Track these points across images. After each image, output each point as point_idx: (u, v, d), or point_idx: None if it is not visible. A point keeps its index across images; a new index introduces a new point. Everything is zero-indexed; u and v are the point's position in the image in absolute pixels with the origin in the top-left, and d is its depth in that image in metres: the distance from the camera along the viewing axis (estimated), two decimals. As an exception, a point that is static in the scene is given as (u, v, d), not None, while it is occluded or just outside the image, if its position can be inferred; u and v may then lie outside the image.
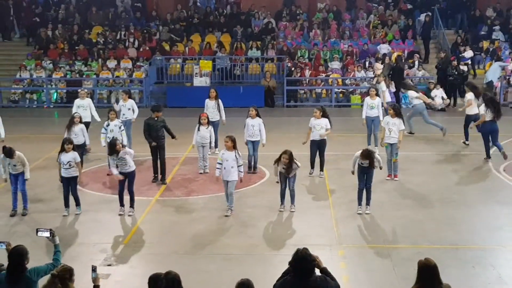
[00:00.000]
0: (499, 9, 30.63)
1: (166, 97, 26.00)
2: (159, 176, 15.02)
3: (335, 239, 11.35)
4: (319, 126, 14.81)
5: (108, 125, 15.19)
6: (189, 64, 27.36)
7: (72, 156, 12.49)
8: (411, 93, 19.60)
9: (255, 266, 10.06)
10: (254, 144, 15.34)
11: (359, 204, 12.59)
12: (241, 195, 13.84)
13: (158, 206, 13.40)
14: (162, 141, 14.95)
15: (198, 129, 15.36)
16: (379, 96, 18.25)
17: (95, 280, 6.84)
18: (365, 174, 12.41)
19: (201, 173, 15.52)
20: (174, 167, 16.14)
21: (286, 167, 12.33)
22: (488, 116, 15.76)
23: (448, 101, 25.27)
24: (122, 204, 12.76)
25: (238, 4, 32.36)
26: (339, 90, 26.70)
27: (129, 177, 12.70)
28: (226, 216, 12.52)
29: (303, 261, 6.31)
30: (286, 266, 6.48)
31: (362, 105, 20.29)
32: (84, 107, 17.44)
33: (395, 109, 14.70)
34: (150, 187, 14.68)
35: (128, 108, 17.38)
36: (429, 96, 24.84)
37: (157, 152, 14.90)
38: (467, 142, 18.02)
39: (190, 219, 12.61)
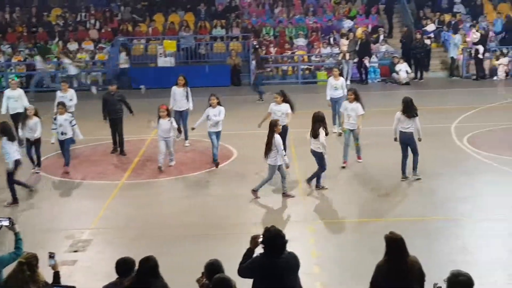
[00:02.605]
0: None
1: (130, 78, 25.68)
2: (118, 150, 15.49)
3: (304, 216, 11.40)
4: (280, 112, 13.88)
5: (55, 119, 14.27)
6: (152, 45, 27.07)
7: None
8: None
9: (225, 246, 10.02)
10: (218, 135, 14.29)
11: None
12: (209, 175, 13.79)
13: (124, 190, 13.29)
14: (119, 115, 15.55)
15: (158, 122, 14.09)
16: (343, 76, 17.70)
17: (54, 266, 6.77)
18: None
19: (160, 167, 14.12)
20: (140, 149, 16.00)
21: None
22: None
23: (412, 74, 25.51)
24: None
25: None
26: (305, 67, 26.68)
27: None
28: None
29: (276, 238, 6.32)
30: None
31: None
32: (15, 98, 16.16)
33: (355, 93, 14.02)
34: (116, 171, 14.56)
35: (70, 99, 16.11)
36: (393, 70, 25.11)
37: (115, 125, 15.45)
38: None
39: (157, 202, 12.55)
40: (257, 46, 25.36)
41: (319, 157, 12.42)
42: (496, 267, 9.13)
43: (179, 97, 15.94)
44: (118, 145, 15.65)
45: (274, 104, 14.12)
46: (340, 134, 15.72)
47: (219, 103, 14.24)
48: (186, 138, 16.18)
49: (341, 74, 17.44)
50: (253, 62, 23.17)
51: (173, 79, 16.46)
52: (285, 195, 12.28)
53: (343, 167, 13.50)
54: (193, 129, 14.76)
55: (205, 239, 10.48)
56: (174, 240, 10.51)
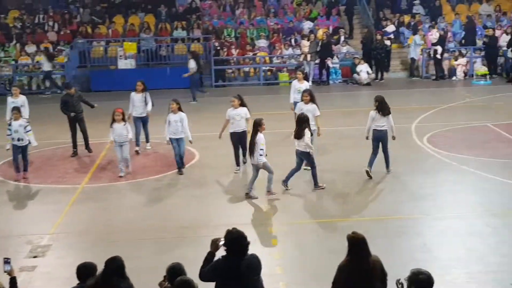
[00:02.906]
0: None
1: (90, 81, 25.39)
2: (80, 149, 15.50)
3: (266, 217, 11.39)
4: (239, 116, 13.52)
5: (10, 124, 13.92)
6: (112, 47, 26.80)
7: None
8: None
9: (186, 249, 9.98)
10: (179, 142, 13.65)
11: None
12: (170, 179, 13.70)
13: (84, 194, 13.10)
14: (80, 114, 15.60)
15: (111, 126, 13.59)
16: (307, 80, 17.36)
17: (10, 272, 6.64)
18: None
19: (121, 176, 13.81)
20: (100, 152, 15.81)
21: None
22: None
23: (373, 75, 25.75)
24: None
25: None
26: (267, 68, 26.73)
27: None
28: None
29: (239, 240, 6.30)
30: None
31: (290, 83, 20.35)
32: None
33: (310, 94, 13.77)
34: (76, 175, 14.36)
35: (21, 104, 15.39)
36: (354, 71, 25.33)
37: (76, 125, 15.49)
38: None
39: (118, 206, 12.41)
40: (193, 50, 25.20)
41: (307, 157, 12.43)
42: (456, 265, 9.24)
43: (138, 103, 15.53)
44: (84, 142, 15.67)
45: (231, 109, 13.66)
46: None
47: (179, 109, 13.67)
48: (147, 141, 16.00)
49: (306, 78, 16.94)
50: (191, 62, 23.02)
51: (134, 81, 16.12)
52: (248, 195, 12.26)
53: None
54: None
55: (166, 243, 10.39)
56: (135, 244, 10.40)
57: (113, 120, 13.58)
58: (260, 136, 11.86)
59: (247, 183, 12.65)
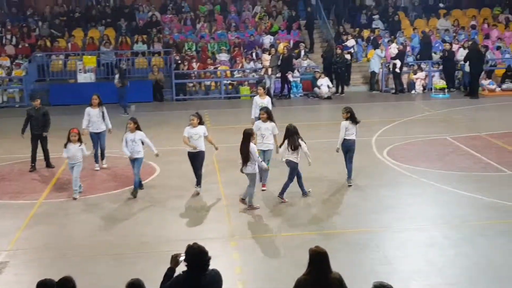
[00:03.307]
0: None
1: (49, 95, 25.04)
2: (39, 163, 15.27)
3: (227, 231, 11.33)
4: (197, 135, 13.01)
5: None
6: (72, 60, 26.51)
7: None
8: None
9: (146, 265, 9.86)
10: (136, 162, 13.21)
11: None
12: (129, 193, 13.53)
13: (43, 209, 12.86)
14: (43, 131, 15.35)
15: (65, 146, 13.16)
16: (270, 95, 16.77)
17: None
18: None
19: (75, 198, 13.30)
20: (59, 167, 15.56)
21: None
22: None
23: (333, 89, 25.96)
24: None
25: (121, -3, 31.75)
26: (228, 82, 26.74)
27: None
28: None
29: (200, 255, 6.24)
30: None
31: (251, 97, 20.36)
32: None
33: (267, 112, 13.47)
34: (34, 190, 14.10)
35: None
36: (315, 85, 25.52)
37: (37, 141, 15.30)
38: None
39: (77, 221, 12.21)
40: (120, 64, 25.11)
41: (293, 168, 12.58)
42: (416, 277, 9.31)
43: (95, 118, 15.09)
44: (44, 158, 15.45)
45: (190, 127, 13.08)
46: None
47: (137, 128, 13.18)
48: (102, 158, 15.62)
49: (268, 93, 16.53)
50: (116, 77, 23.11)
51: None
52: (249, 206, 12.39)
53: (263, 190, 13.30)
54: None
55: (125, 259, 10.25)
56: (95, 259, 10.24)
57: (68, 140, 13.16)
58: (253, 146, 12.05)
59: (214, 185, 12.67)
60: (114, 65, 26.22)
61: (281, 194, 12.76)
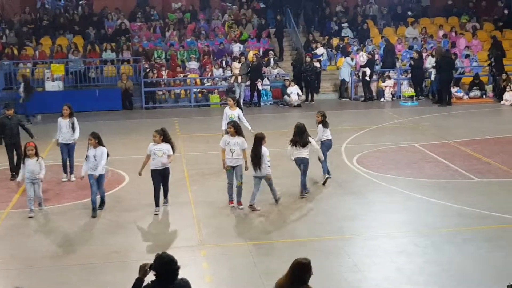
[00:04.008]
0: (346, 6, 31.89)
1: (16, 103, 24.66)
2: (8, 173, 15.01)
3: (197, 240, 11.26)
4: (161, 152, 12.39)
5: None
6: (39, 69, 26.20)
7: None
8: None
9: (117, 274, 9.74)
10: (99, 180, 12.60)
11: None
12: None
13: (10, 219, 12.65)
14: (17, 139, 15.16)
15: (23, 162, 12.56)
16: (240, 107, 16.19)
17: None
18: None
19: (31, 217, 12.57)
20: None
21: None
22: None
23: (303, 97, 26.06)
24: None
25: (90, 5, 31.46)
26: (198, 90, 26.66)
27: None
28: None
29: (168, 264, 6.19)
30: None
31: (221, 105, 20.34)
32: None
33: (235, 126, 12.95)
34: (1, 200, 13.85)
35: None
36: (285, 93, 25.60)
37: (13, 149, 15.11)
38: None
39: (45, 230, 12.04)
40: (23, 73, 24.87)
41: (306, 164, 13.31)
42: (386, 285, 9.34)
43: (65, 129, 14.78)
44: (16, 167, 14.99)
45: (152, 144, 12.50)
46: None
47: (99, 143, 12.59)
48: (71, 171, 15.25)
49: (238, 104, 16.11)
50: (22, 86, 23.18)
51: (62, 104, 15.49)
52: (252, 207, 12.69)
53: (232, 207, 12.92)
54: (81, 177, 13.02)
55: (94, 268, 10.10)
56: (62, 270, 10.08)
57: (25, 155, 12.57)
58: (265, 149, 12.53)
59: (184, 193, 12.48)
60: (82, 72, 26.00)
61: (304, 191, 13.51)
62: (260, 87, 25.61)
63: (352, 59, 26.56)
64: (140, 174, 12.73)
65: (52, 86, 25.02)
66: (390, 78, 26.62)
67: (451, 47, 28.35)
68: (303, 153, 13.23)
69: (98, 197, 12.76)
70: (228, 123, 13.68)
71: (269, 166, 12.59)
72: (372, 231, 11.54)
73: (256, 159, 12.40)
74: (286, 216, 12.49)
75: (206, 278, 9.68)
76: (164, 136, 12.55)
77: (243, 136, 12.97)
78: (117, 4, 30.58)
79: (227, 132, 13.59)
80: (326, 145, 14.42)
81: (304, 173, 13.41)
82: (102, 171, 12.62)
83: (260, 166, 12.42)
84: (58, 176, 15.17)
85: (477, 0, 32.39)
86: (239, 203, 12.81)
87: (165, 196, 13.02)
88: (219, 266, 10.21)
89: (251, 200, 12.67)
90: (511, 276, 6.87)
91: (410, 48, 28.37)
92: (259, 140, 12.48)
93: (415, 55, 26.30)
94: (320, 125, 14.32)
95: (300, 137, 13.23)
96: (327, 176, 14.33)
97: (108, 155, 12.80)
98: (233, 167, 12.76)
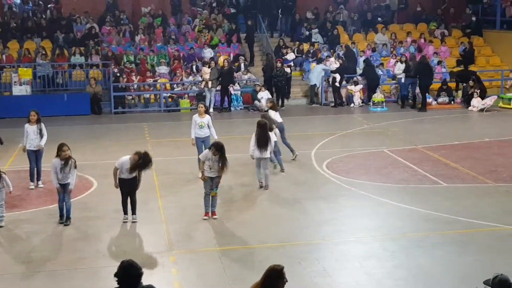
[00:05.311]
0: (316, 12, 32.02)
1: None
2: None
3: (166, 246, 11.15)
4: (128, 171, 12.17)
5: None
6: (7, 72, 25.81)
7: None
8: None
9: (84, 281, 9.62)
10: (65, 187, 12.22)
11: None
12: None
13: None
14: None
15: None
16: (208, 112, 15.90)
17: None
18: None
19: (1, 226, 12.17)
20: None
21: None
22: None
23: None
24: None
25: (58, 9, 31.10)
26: (168, 95, 26.50)
27: None
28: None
29: (129, 269, 6.12)
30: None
31: (192, 109, 20.23)
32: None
33: (217, 148, 12.22)
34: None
35: None
36: (256, 98, 25.58)
37: None
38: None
39: (11, 237, 11.81)
40: None
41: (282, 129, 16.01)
42: (355, 289, 9.35)
43: (33, 135, 14.38)
44: None
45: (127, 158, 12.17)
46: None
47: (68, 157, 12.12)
48: (38, 178, 14.89)
49: (207, 111, 15.71)
50: None
51: (29, 108, 15.11)
52: (266, 186, 14.28)
53: (205, 219, 12.54)
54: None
55: (61, 274, 9.95)
56: (27, 277, 9.91)
57: None
58: (272, 135, 14.33)
59: (153, 199, 12.35)
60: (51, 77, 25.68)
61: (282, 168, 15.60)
62: (232, 92, 25.57)
63: (326, 65, 26.64)
64: (116, 187, 12.35)
65: (20, 90, 24.66)
66: (356, 84, 26.68)
67: (418, 53, 28.60)
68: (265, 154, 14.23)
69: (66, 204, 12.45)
70: (212, 144, 12.64)
71: (270, 151, 14.25)
72: (342, 236, 11.56)
73: (264, 142, 13.96)
74: (256, 222, 12.44)
75: (175, 283, 9.59)
76: (139, 158, 12.00)
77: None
78: (86, 8, 30.27)
79: (196, 140, 14.88)
80: (280, 126, 16.07)
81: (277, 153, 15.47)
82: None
83: (266, 147, 13.95)
84: (25, 181, 14.89)
85: (445, 7, 32.81)
86: (213, 213, 12.55)
87: (133, 210, 12.39)
88: (188, 271, 10.12)
89: (265, 181, 14.28)
90: (479, 280, 6.90)
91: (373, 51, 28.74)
92: (265, 126, 14.04)
93: (365, 60, 26.72)
94: (271, 111, 16.25)
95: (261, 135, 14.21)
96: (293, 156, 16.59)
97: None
98: (211, 178, 12.34)
